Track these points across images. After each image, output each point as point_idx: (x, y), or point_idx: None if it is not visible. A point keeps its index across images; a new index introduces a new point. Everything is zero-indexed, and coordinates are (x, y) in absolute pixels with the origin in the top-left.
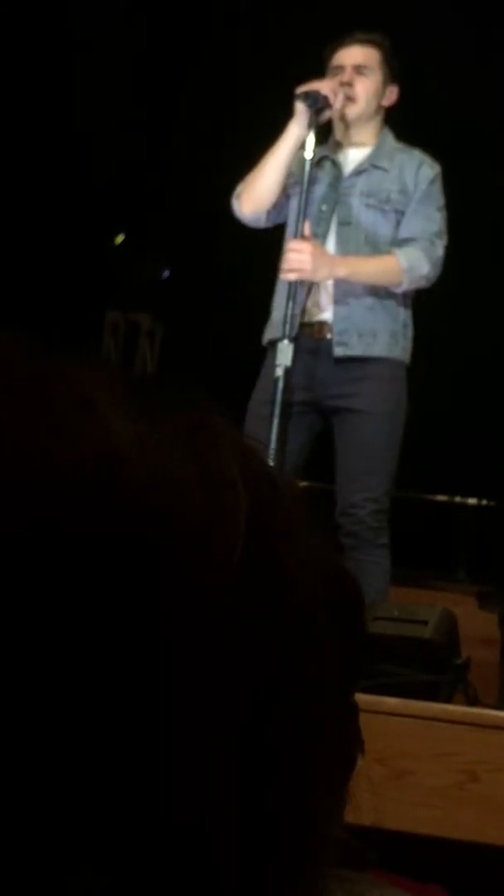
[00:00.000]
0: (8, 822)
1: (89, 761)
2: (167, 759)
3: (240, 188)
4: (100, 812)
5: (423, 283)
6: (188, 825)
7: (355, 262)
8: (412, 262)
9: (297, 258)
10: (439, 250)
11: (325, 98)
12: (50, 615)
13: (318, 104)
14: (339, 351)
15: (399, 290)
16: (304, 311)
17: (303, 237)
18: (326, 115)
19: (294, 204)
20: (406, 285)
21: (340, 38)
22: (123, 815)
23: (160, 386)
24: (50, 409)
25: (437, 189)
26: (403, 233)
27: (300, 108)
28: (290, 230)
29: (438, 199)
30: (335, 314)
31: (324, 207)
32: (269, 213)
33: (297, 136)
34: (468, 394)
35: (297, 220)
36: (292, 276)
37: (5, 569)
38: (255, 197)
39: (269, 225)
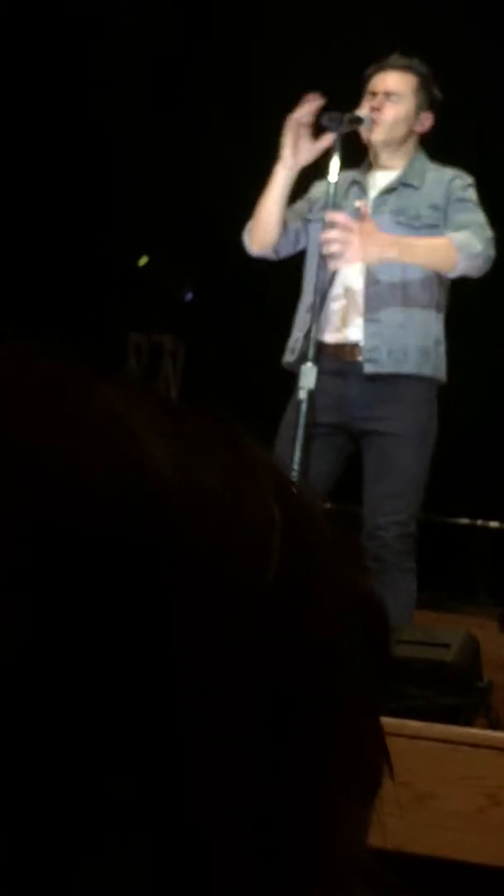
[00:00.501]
0: (14, 823)
1: (119, 768)
2: (184, 769)
3: (249, 225)
4: (108, 814)
5: (478, 263)
6: (198, 835)
7: (407, 243)
8: (463, 241)
9: (342, 237)
10: (489, 232)
11: (353, 118)
12: (82, 625)
13: (340, 126)
14: (368, 368)
15: (455, 273)
16: (333, 332)
17: (358, 217)
18: (359, 129)
19: (315, 231)
20: (462, 267)
21: (379, 62)
22: (134, 820)
23: (191, 407)
24: (84, 425)
25: (473, 194)
26: (453, 223)
27: (286, 153)
28: (311, 258)
29: (477, 201)
30: (365, 331)
31: (372, 218)
32: (276, 248)
33: (283, 177)
34: (489, 417)
35: (319, 246)
36: (334, 251)
37: (39, 579)
38: (258, 235)
39: (284, 256)
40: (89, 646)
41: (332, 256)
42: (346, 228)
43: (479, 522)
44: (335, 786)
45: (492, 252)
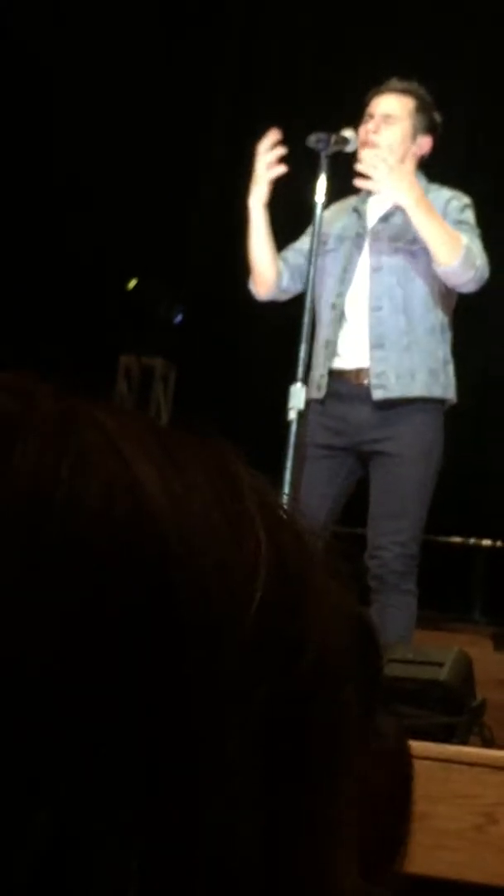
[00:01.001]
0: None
1: (110, 795)
2: (179, 792)
3: (251, 275)
4: (106, 834)
5: (472, 274)
6: (194, 855)
7: (426, 202)
8: (469, 248)
9: (375, 162)
10: (486, 260)
11: (339, 138)
12: (73, 646)
13: (327, 146)
14: (377, 394)
15: (450, 269)
16: (339, 356)
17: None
18: (345, 149)
19: (323, 263)
20: (457, 264)
21: (378, 85)
22: (130, 840)
23: (182, 431)
24: (75, 449)
25: (470, 216)
26: None
27: (257, 189)
28: (320, 289)
29: (472, 224)
30: (372, 357)
31: (347, 266)
32: (280, 287)
33: (255, 213)
34: (482, 435)
35: (328, 277)
36: (362, 185)
37: (35, 607)
38: (258, 280)
39: (295, 293)
40: (85, 668)
41: (362, 176)
42: (381, 157)
43: (473, 541)
44: (332, 804)
45: (486, 274)
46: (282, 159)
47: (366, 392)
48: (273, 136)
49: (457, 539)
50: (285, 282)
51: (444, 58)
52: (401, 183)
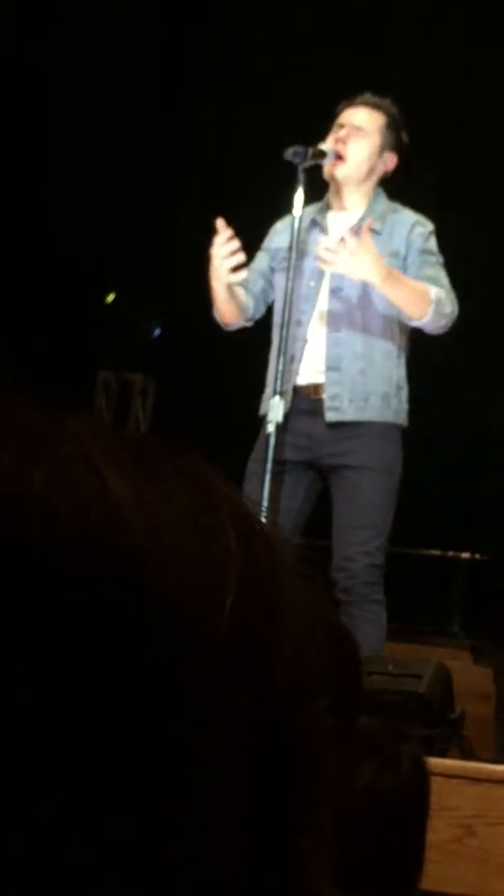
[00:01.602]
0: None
1: (92, 801)
2: (156, 793)
3: (214, 311)
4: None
5: (441, 324)
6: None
7: (393, 275)
8: (440, 296)
9: (337, 251)
10: (454, 297)
11: (317, 151)
12: (48, 654)
13: (304, 160)
14: (330, 416)
15: (418, 323)
16: (299, 373)
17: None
18: (319, 162)
19: (280, 281)
20: (428, 319)
21: (351, 98)
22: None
23: (156, 444)
24: (49, 462)
25: (433, 245)
26: (419, 276)
27: (212, 276)
28: (277, 307)
29: (436, 254)
30: (327, 378)
31: (312, 283)
32: (246, 318)
33: (217, 291)
34: (460, 448)
35: (285, 298)
36: (324, 265)
37: (10, 617)
38: (226, 319)
39: (260, 317)
40: (60, 677)
41: (323, 263)
42: (338, 247)
43: (451, 553)
44: (306, 806)
45: (456, 313)
46: (236, 250)
47: (322, 406)
48: (224, 231)
49: (436, 552)
50: (251, 312)
51: (422, 88)
52: (365, 266)
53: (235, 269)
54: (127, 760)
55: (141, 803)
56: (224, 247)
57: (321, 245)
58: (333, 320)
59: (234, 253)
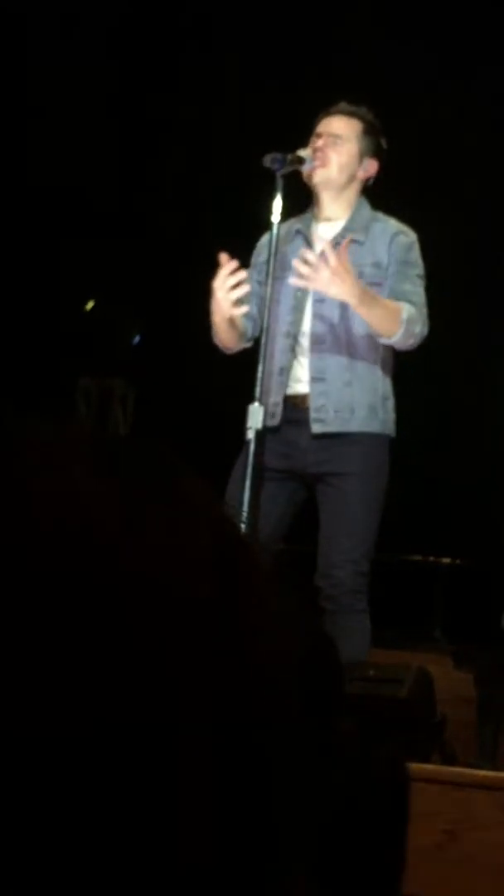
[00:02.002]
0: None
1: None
2: (132, 785)
3: (213, 332)
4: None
5: (410, 343)
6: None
7: (368, 296)
8: (410, 318)
9: (317, 267)
10: (426, 316)
11: (295, 158)
12: (28, 649)
13: (283, 166)
14: (316, 427)
15: (388, 342)
16: (286, 384)
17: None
18: (298, 169)
19: (271, 290)
20: (397, 338)
21: (327, 107)
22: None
23: (135, 452)
24: (26, 477)
25: (416, 256)
26: (393, 292)
27: (213, 308)
28: (268, 315)
29: (418, 265)
30: (312, 390)
31: (299, 293)
32: (245, 341)
33: (219, 323)
34: (441, 455)
35: (267, 307)
36: (301, 283)
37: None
38: (226, 347)
39: (258, 335)
40: (35, 685)
41: (302, 280)
42: (317, 264)
43: (431, 559)
44: (277, 805)
45: (426, 332)
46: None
47: (308, 417)
48: (227, 265)
49: (416, 557)
50: (250, 333)
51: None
52: (343, 286)
53: (238, 300)
54: (100, 750)
55: (117, 798)
56: (227, 280)
57: (300, 261)
58: (318, 331)
59: (237, 286)
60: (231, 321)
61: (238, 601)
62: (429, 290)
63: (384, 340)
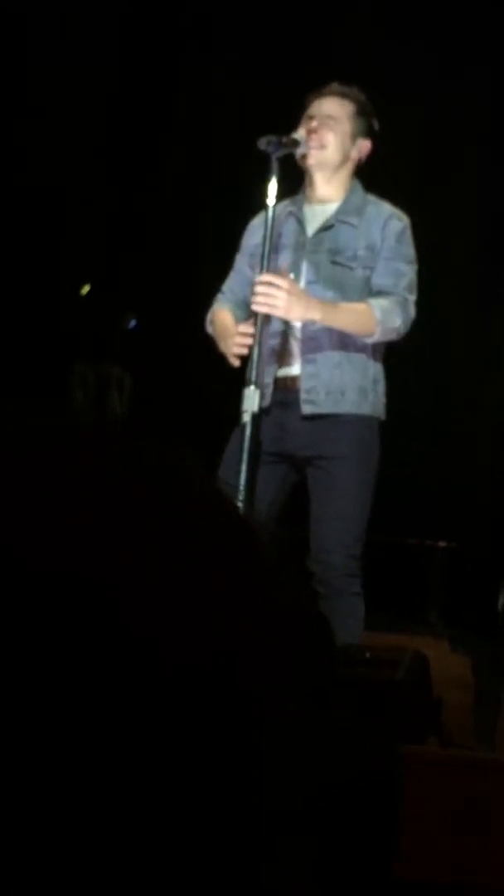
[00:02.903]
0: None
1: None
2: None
3: (209, 319)
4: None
5: (393, 337)
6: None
7: (331, 307)
8: (386, 314)
9: (273, 293)
10: (411, 306)
11: (290, 140)
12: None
13: (278, 149)
14: (306, 409)
15: (370, 342)
16: (277, 366)
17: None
18: (293, 151)
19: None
20: (378, 337)
21: (318, 89)
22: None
23: (134, 438)
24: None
25: (407, 242)
26: (375, 286)
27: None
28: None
29: (408, 252)
30: (302, 371)
31: (291, 275)
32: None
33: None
34: (438, 439)
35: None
36: (263, 310)
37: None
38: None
39: (248, 318)
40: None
41: (260, 306)
42: (271, 284)
43: (428, 542)
44: (277, 797)
45: (409, 325)
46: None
47: (298, 399)
48: (243, 334)
49: (412, 541)
50: (240, 321)
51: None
52: (302, 309)
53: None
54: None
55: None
56: (238, 345)
57: (258, 285)
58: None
59: (243, 346)
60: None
61: (239, 588)
62: (422, 274)
63: (366, 340)
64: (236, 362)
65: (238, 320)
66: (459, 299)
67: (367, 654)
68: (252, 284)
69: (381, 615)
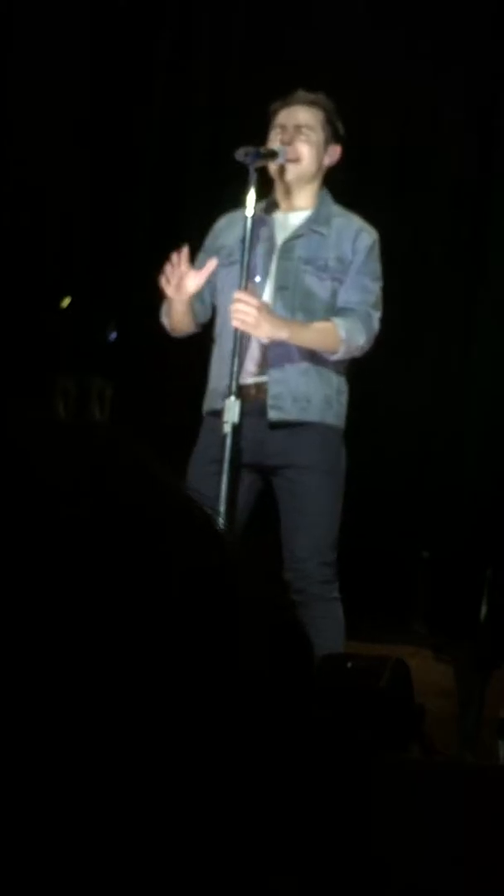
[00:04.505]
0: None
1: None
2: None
3: (163, 319)
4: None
5: (356, 354)
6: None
7: (297, 326)
8: (350, 333)
9: (244, 310)
10: (375, 322)
11: (268, 151)
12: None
13: (256, 160)
14: (273, 414)
15: (333, 359)
16: (244, 374)
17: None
18: (275, 162)
19: (226, 275)
20: (341, 355)
21: (284, 97)
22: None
23: (112, 448)
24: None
25: (375, 258)
26: (342, 302)
27: (169, 292)
28: (223, 306)
29: (375, 268)
30: (270, 377)
31: (257, 279)
32: (198, 326)
33: (178, 304)
34: (422, 447)
35: (231, 289)
36: (236, 325)
37: None
38: (176, 329)
39: (207, 320)
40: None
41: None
42: (244, 302)
43: (412, 551)
44: (255, 802)
45: (372, 342)
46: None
47: (263, 407)
48: (172, 264)
49: (395, 550)
50: (201, 318)
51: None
52: (270, 327)
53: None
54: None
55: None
56: (174, 275)
57: (235, 302)
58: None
59: (183, 275)
60: (188, 305)
61: (216, 599)
62: (386, 289)
63: (329, 357)
64: (170, 292)
65: (197, 316)
66: (440, 308)
67: (350, 664)
68: (212, 283)
69: (364, 624)
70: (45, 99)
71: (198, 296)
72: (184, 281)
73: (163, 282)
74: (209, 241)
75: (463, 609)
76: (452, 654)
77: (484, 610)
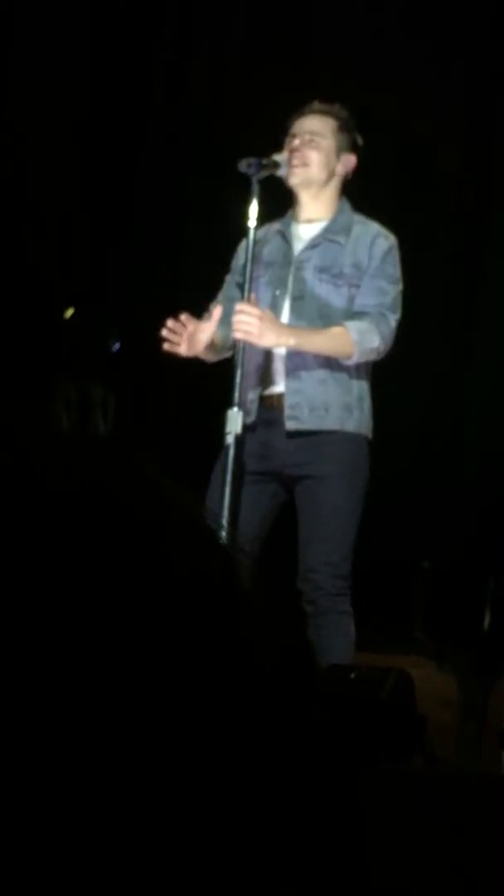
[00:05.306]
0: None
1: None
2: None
3: None
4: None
5: (374, 357)
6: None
7: (306, 332)
8: (362, 335)
9: (246, 320)
10: (391, 323)
11: (270, 162)
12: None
13: (258, 171)
14: (290, 425)
15: (350, 363)
16: (262, 384)
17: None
18: (274, 173)
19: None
20: (356, 358)
21: (300, 108)
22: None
23: (114, 457)
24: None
25: (392, 262)
26: (357, 306)
27: (182, 349)
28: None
29: (393, 272)
30: (287, 387)
31: (277, 292)
32: (227, 350)
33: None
34: (423, 457)
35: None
36: (239, 336)
37: None
38: (208, 360)
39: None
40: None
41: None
42: (245, 312)
43: (414, 561)
44: (251, 826)
45: (389, 344)
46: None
47: (282, 417)
48: (170, 328)
49: (398, 559)
50: (229, 342)
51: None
52: (274, 336)
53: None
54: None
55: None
56: (183, 339)
57: (238, 314)
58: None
59: (192, 335)
60: (209, 348)
61: (218, 612)
62: (406, 295)
63: (348, 363)
64: (182, 351)
65: (226, 341)
66: (450, 320)
67: (353, 674)
68: (230, 301)
69: (367, 634)
70: (45, 99)
71: (221, 321)
72: (194, 338)
73: (166, 347)
74: (234, 262)
75: (464, 619)
76: (454, 663)
77: (487, 619)
